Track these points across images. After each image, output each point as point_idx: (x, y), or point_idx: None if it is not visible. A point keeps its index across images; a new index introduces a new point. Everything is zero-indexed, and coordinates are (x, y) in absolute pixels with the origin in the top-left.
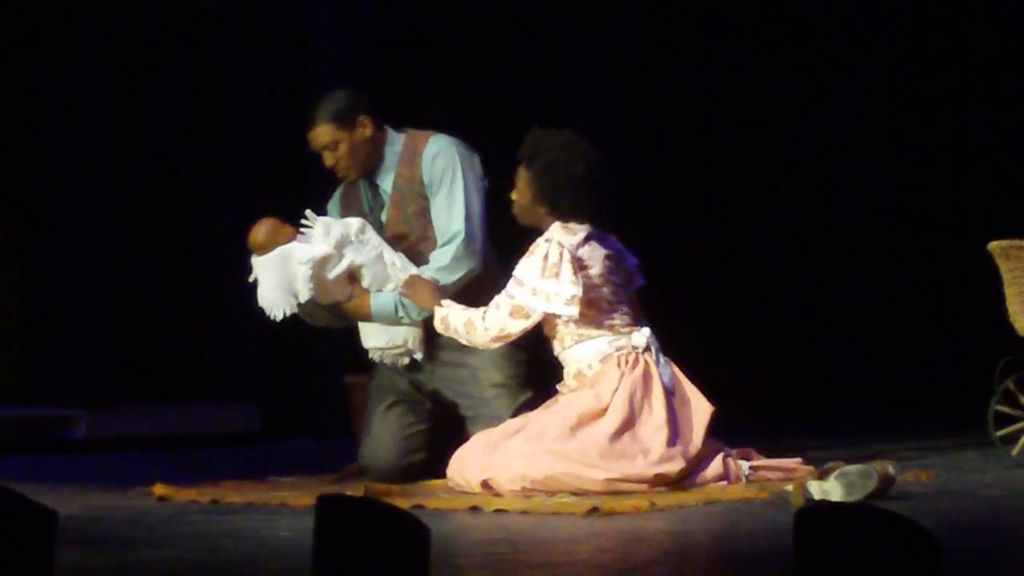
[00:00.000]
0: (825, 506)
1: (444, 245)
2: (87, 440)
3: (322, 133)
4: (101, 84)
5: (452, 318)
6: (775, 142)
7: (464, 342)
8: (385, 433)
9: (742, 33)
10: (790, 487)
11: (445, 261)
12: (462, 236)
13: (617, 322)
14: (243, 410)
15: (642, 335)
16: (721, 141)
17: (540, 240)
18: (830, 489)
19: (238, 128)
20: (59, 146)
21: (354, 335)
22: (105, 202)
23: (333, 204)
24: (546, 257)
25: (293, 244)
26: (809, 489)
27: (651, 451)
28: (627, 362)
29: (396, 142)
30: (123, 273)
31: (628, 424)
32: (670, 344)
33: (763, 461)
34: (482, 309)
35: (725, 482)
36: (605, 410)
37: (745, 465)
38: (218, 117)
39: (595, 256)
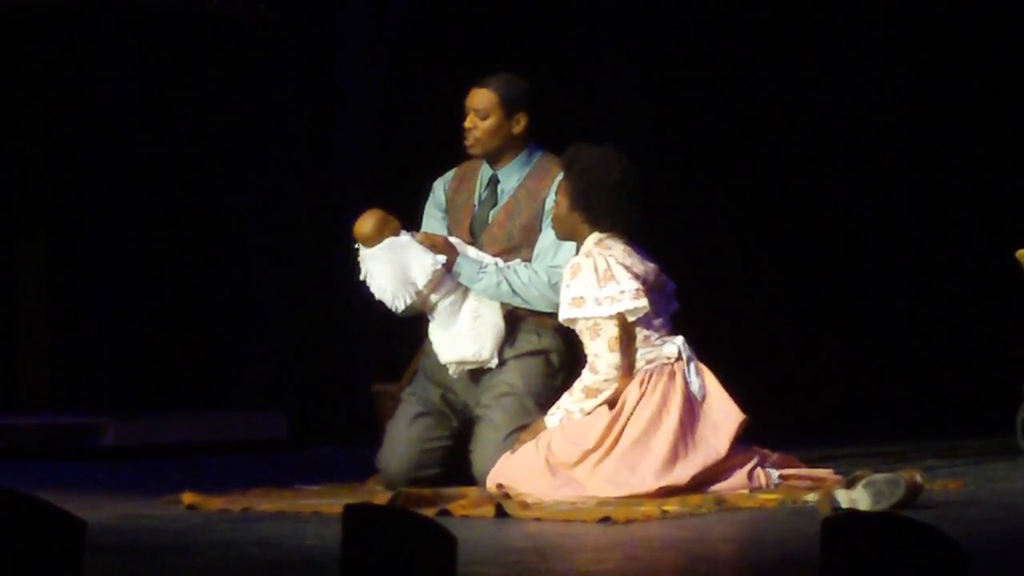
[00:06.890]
0: (852, 515)
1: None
2: (115, 448)
3: (483, 97)
4: (130, 94)
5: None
6: (803, 149)
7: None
8: (404, 443)
9: (771, 42)
10: (814, 496)
11: (544, 279)
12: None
13: (652, 334)
14: (271, 417)
15: (674, 344)
16: (749, 149)
17: (579, 258)
18: (858, 498)
19: (267, 137)
20: (87, 155)
21: (386, 344)
22: (133, 210)
23: (442, 183)
24: (595, 268)
25: (404, 237)
26: (836, 498)
27: (657, 461)
28: (653, 376)
29: (535, 153)
30: (151, 281)
31: (640, 441)
32: (699, 354)
33: (794, 470)
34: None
35: (746, 491)
36: (623, 430)
37: (775, 474)
38: (247, 125)
39: (636, 264)
